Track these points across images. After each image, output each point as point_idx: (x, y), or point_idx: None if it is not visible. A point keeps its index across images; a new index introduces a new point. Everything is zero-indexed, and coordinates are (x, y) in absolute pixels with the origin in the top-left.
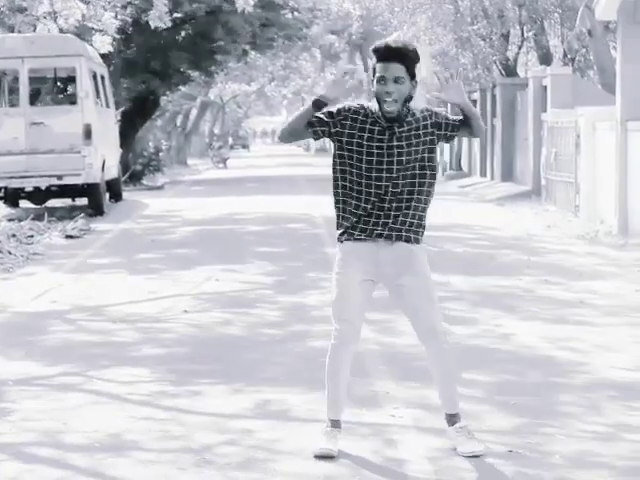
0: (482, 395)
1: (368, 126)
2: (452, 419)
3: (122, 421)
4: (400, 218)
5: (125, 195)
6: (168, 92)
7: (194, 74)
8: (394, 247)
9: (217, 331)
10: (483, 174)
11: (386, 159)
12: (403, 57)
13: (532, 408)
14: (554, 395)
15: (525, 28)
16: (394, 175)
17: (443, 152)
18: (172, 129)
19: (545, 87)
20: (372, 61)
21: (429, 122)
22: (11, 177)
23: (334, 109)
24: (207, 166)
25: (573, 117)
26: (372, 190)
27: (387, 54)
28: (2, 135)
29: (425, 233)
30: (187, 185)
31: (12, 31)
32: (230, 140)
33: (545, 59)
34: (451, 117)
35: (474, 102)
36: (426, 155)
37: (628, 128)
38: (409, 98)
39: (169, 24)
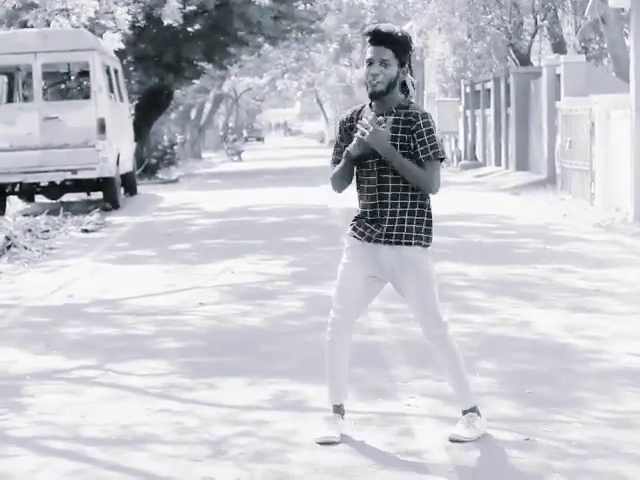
0: (498, 383)
1: (362, 118)
2: (464, 412)
3: (139, 414)
4: (397, 217)
5: (140, 189)
6: (182, 86)
7: (207, 67)
8: (393, 249)
9: (234, 323)
10: (498, 163)
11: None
12: (391, 41)
13: (548, 396)
14: (570, 383)
15: (538, 17)
16: (382, 160)
17: (458, 142)
18: (186, 122)
19: (559, 75)
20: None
21: (413, 126)
22: (26, 172)
23: (338, 127)
24: (222, 159)
25: (587, 105)
26: (369, 179)
27: (376, 38)
28: (16, 130)
29: (442, 223)
30: (202, 178)
31: (25, 27)
32: (245, 133)
33: (559, 48)
34: (427, 150)
35: (487, 91)
36: (409, 151)
37: None
38: (395, 83)
39: (181, 21)
